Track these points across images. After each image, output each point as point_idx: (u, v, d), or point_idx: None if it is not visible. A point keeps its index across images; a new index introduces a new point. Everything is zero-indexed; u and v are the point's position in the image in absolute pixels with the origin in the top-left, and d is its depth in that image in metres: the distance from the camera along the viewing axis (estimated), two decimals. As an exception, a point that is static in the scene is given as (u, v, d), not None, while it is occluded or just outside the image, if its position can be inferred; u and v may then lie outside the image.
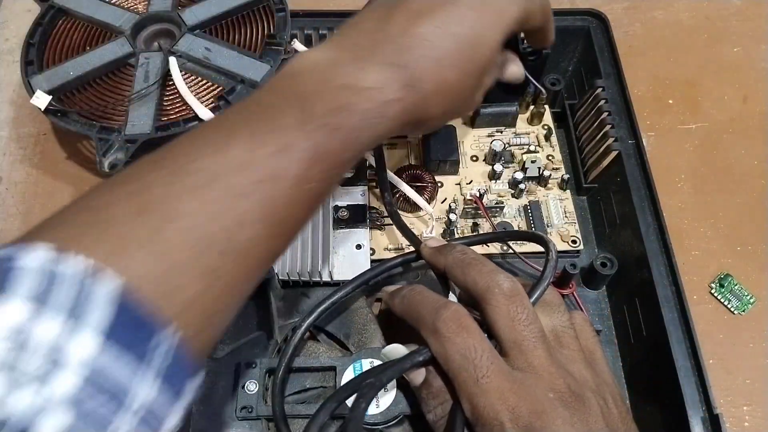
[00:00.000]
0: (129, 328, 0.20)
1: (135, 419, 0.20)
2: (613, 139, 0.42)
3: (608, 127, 0.42)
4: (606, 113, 0.43)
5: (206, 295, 0.23)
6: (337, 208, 0.41)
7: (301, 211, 0.27)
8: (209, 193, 0.23)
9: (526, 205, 0.43)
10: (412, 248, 0.39)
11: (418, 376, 0.30)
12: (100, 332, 0.20)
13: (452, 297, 0.33)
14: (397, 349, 0.31)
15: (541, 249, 0.40)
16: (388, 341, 0.35)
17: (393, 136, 0.32)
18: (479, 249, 0.41)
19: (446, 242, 0.36)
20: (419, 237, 0.39)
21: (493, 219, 0.42)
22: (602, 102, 0.43)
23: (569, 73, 0.49)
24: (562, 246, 0.41)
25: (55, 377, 0.19)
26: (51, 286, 0.20)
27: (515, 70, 0.38)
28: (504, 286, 0.29)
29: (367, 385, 0.29)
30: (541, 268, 0.31)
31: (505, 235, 0.41)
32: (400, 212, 0.43)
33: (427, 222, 0.41)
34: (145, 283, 0.21)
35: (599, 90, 0.44)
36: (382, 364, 0.33)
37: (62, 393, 0.19)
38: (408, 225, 0.42)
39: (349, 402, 0.33)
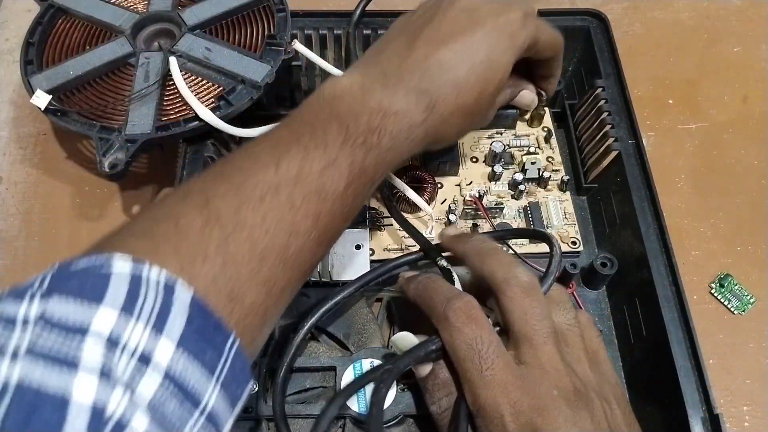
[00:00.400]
0: (201, 337, 0.22)
1: (199, 425, 0.21)
2: (613, 139, 0.42)
3: (608, 127, 0.42)
4: (606, 113, 0.43)
5: (264, 303, 0.25)
6: (337, 208, 0.41)
7: (340, 222, 0.29)
8: (267, 206, 0.25)
9: (525, 206, 0.43)
10: (412, 249, 0.39)
11: (424, 367, 0.31)
12: (176, 340, 0.21)
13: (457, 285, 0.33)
14: (407, 338, 0.31)
15: (541, 249, 0.41)
16: (401, 328, 0.35)
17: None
18: (479, 249, 0.41)
19: (465, 232, 0.37)
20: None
21: (492, 220, 0.42)
22: (602, 102, 0.43)
23: (569, 73, 0.49)
24: (562, 247, 0.41)
25: (140, 383, 0.20)
26: (137, 295, 0.21)
27: (527, 95, 0.40)
28: (522, 279, 0.29)
29: (386, 372, 0.30)
30: (543, 268, 0.32)
31: (509, 232, 0.41)
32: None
33: (427, 222, 0.41)
34: (212, 292, 0.23)
35: (599, 90, 0.44)
36: (393, 354, 0.33)
37: (145, 398, 0.20)
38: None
39: (351, 403, 0.33)
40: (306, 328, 0.35)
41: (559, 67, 0.40)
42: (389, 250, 0.41)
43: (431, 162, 0.43)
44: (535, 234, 0.37)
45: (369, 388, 0.35)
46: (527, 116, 0.47)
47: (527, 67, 0.39)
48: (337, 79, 0.31)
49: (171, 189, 0.27)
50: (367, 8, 0.46)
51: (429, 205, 0.42)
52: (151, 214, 0.25)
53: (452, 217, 0.42)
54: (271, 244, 0.25)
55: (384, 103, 0.30)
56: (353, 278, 0.37)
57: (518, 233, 0.41)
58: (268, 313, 0.26)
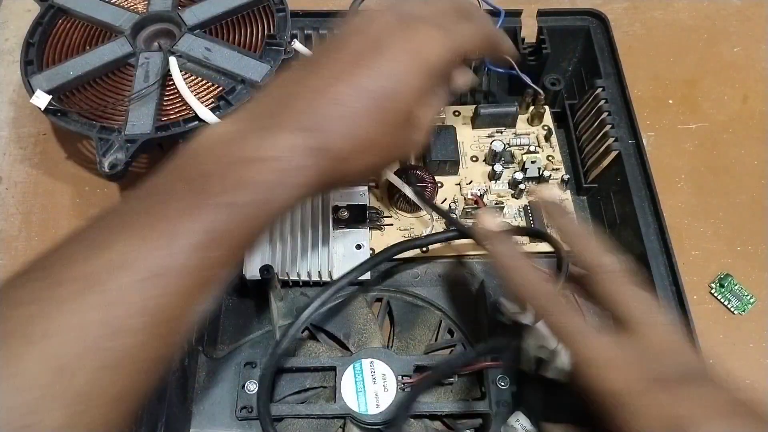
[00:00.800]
0: None
1: None
2: (613, 139, 0.42)
3: (608, 127, 0.42)
4: (606, 113, 0.43)
5: (72, 425, 0.21)
6: (336, 208, 0.41)
7: (192, 301, 0.24)
8: (80, 305, 0.21)
9: (526, 205, 0.43)
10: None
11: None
12: None
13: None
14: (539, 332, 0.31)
15: (542, 249, 0.40)
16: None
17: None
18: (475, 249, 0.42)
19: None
20: (421, 236, 0.39)
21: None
22: (602, 102, 0.43)
23: (569, 73, 0.49)
24: (564, 247, 0.41)
25: None
26: None
27: (462, 80, 0.34)
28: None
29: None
30: (541, 267, 0.32)
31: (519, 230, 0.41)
32: (399, 212, 0.43)
33: (428, 222, 0.41)
34: (6, 420, 0.19)
35: (599, 90, 0.44)
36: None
37: None
38: (408, 225, 0.42)
39: (351, 404, 0.33)
40: (294, 329, 0.35)
41: (506, 47, 0.36)
42: (389, 250, 0.41)
43: (431, 161, 0.43)
44: (537, 233, 0.37)
45: (369, 389, 0.35)
46: (527, 115, 0.47)
47: None
48: (208, 129, 0.27)
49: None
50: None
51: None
52: None
53: (452, 216, 0.42)
54: (80, 353, 0.21)
55: (253, 150, 0.26)
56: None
57: (523, 232, 0.41)
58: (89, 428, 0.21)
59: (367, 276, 0.38)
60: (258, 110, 0.28)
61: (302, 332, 0.38)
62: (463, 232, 0.39)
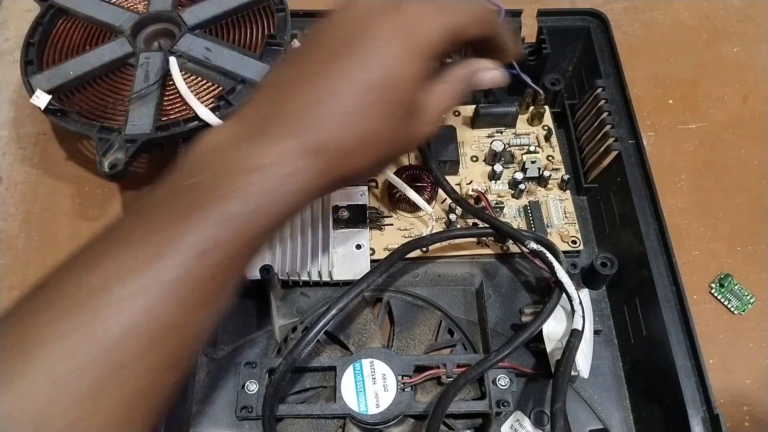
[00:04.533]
0: None
1: None
2: (613, 139, 0.42)
3: (608, 127, 0.42)
4: (606, 113, 0.43)
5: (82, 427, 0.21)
6: (336, 208, 0.41)
7: (193, 311, 0.24)
8: (75, 319, 0.21)
9: (526, 205, 0.43)
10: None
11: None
12: None
13: None
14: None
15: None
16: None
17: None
18: (475, 248, 0.42)
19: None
20: (421, 236, 0.39)
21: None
22: (602, 102, 0.43)
23: (569, 73, 0.49)
24: (562, 246, 0.41)
25: None
26: None
27: (486, 75, 0.33)
28: None
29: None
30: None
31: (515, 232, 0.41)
32: (399, 212, 0.43)
33: (427, 222, 0.41)
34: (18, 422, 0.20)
35: (599, 90, 0.44)
36: None
37: None
38: (408, 225, 0.42)
39: (351, 404, 0.33)
40: (314, 332, 0.34)
41: (506, 37, 0.33)
42: (389, 250, 0.41)
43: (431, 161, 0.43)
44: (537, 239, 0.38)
45: (369, 389, 0.35)
46: (527, 115, 0.47)
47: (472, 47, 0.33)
48: (205, 135, 0.27)
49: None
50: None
51: (429, 204, 0.42)
52: None
53: (452, 216, 0.42)
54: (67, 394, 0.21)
55: (247, 158, 0.25)
56: (353, 278, 0.37)
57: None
58: None
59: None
60: (250, 114, 0.27)
61: (302, 332, 0.38)
62: (494, 225, 0.39)
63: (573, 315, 0.34)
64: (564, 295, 0.35)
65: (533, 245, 0.36)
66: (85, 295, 0.22)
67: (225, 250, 0.24)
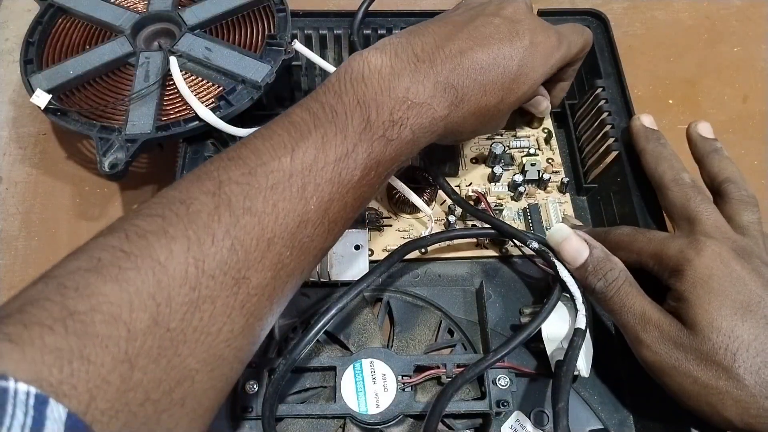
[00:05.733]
0: None
1: None
2: (613, 139, 0.42)
3: (608, 127, 0.42)
4: (606, 113, 0.43)
5: (270, 285, 0.26)
6: (337, 208, 0.41)
7: (351, 211, 0.29)
8: (279, 195, 0.26)
9: (525, 207, 0.43)
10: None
11: (582, 252, 0.34)
12: None
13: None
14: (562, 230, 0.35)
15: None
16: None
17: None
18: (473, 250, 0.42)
19: (657, 130, 0.40)
20: (421, 236, 0.39)
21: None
22: (602, 102, 0.43)
23: (569, 73, 0.49)
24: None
25: None
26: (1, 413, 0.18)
27: (542, 101, 0.42)
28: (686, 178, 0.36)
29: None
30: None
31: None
32: (399, 213, 0.43)
33: (427, 223, 0.41)
34: (219, 274, 0.24)
35: (599, 90, 0.44)
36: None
37: None
38: (407, 227, 0.42)
39: (351, 404, 0.33)
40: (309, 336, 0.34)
41: (575, 72, 0.41)
42: (388, 251, 0.41)
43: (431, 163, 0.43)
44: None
45: (369, 389, 0.35)
46: (527, 117, 0.47)
47: None
48: (364, 57, 0.30)
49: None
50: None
51: (428, 206, 0.42)
52: (167, 195, 0.26)
53: (452, 218, 0.42)
54: (280, 232, 0.26)
55: (411, 92, 0.30)
56: (352, 279, 0.37)
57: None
58: (275, 294, 0.27)
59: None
60: (410, 51, 0.31)
61: (301, 332, 0.38)
62: (497, 226, 0.39)
63: (576, 314, 0.34)
64: (564, 295, 0.35)
65: (535, 245, 0.36)
66: (279, 177, 0.26)
67: (382, 168, 0.29)
